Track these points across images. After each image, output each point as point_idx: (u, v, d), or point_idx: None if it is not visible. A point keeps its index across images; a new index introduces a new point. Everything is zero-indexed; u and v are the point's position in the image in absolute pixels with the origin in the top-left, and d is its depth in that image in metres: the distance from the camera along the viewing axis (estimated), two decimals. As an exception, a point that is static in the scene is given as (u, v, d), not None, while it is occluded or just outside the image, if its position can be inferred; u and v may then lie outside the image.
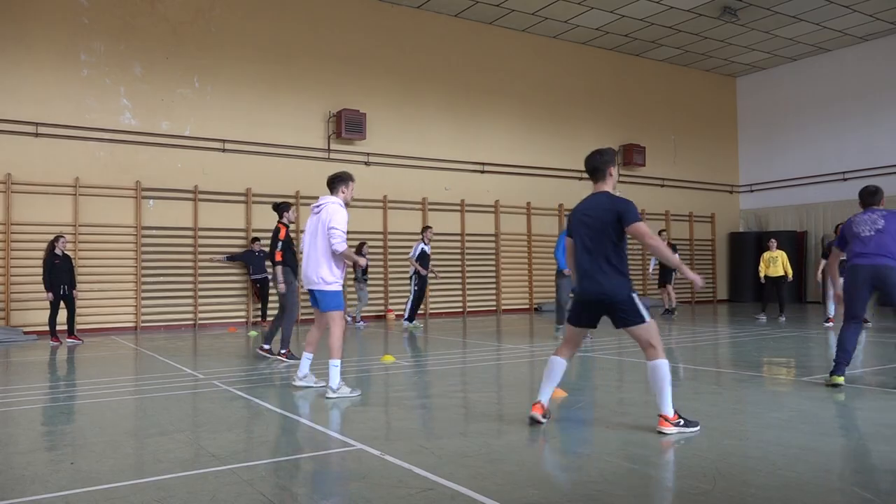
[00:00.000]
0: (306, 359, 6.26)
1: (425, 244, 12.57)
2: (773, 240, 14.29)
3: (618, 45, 18.93)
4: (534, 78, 17.94)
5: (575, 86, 18.68)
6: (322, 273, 5.92)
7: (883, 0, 15.98)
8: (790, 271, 13.74)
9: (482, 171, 16.96)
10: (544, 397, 4.68)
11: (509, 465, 3.78)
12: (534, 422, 4.61)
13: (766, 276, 13.90)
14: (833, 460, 3.77)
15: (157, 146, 13.31)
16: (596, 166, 4.63)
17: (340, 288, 6.00)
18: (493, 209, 17.03)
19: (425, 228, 12.93)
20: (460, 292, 16.49)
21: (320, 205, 6.04)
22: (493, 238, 17.03)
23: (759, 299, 13.85)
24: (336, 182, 6.12)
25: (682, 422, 4.36)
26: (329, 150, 14.96)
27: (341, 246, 5.83)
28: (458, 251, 16.52)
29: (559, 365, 4.69)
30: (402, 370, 7.70)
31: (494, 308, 16.97)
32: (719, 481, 3.43)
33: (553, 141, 18.17)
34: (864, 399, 5.58)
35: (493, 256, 17.04)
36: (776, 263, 13.74)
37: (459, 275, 16.48)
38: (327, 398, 5.75)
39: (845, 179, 19.05)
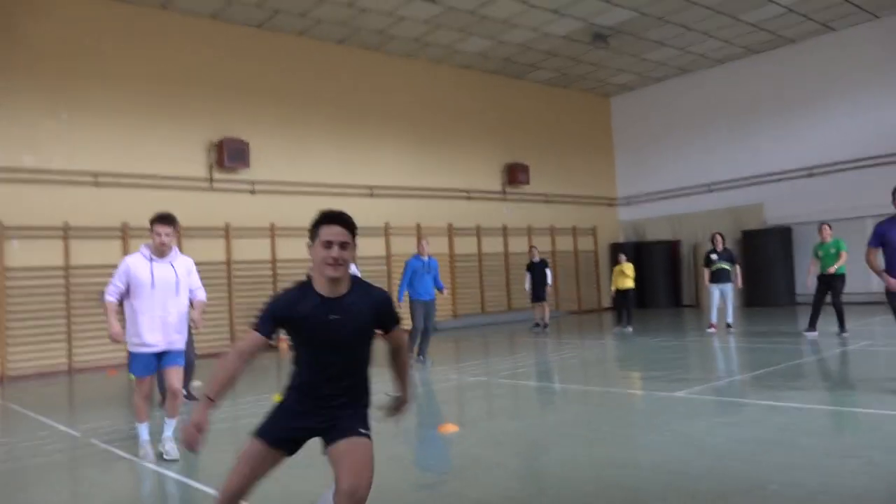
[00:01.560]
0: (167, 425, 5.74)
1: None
2: (622, 254, 14.89)
3: (499, 69, 19.49)
4: (419, 102, 18.15)
5: (459, 108, 19.05)
6: None
7: (735, 28, 17.33)
8: (631, 283, 14.24)
9: (371, 195, 16.96)
10: None
11: None
12: None
13: (617, 290, 14.41)
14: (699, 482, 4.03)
15: (20, 182, 12.44)
16: None
17: (129, 348, 5.54)
18: (383, 232, 17.05)
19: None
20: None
21: None
22: (384, 260, 17.04)
23: (636, 306, 14.45)
24: None
25: None
26: (212, 180, 14.52)
27: (105, 298, 5.47)
28: (350, 276, 16.38)
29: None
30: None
31: (389, 331, 16.86)
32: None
33: (441, 163, 18.44)
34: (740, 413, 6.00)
35: (384, 280, 17.01)
36: (623, 276, 14.28)
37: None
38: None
39: (711, 191, 20.46)
